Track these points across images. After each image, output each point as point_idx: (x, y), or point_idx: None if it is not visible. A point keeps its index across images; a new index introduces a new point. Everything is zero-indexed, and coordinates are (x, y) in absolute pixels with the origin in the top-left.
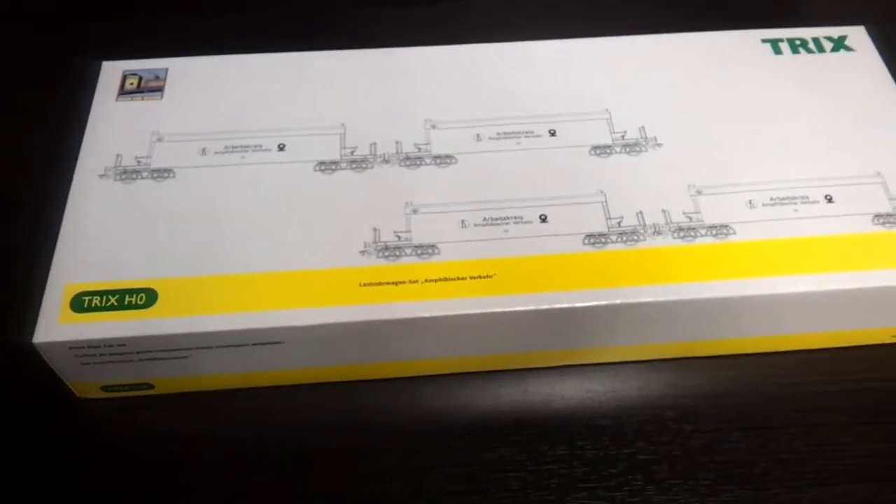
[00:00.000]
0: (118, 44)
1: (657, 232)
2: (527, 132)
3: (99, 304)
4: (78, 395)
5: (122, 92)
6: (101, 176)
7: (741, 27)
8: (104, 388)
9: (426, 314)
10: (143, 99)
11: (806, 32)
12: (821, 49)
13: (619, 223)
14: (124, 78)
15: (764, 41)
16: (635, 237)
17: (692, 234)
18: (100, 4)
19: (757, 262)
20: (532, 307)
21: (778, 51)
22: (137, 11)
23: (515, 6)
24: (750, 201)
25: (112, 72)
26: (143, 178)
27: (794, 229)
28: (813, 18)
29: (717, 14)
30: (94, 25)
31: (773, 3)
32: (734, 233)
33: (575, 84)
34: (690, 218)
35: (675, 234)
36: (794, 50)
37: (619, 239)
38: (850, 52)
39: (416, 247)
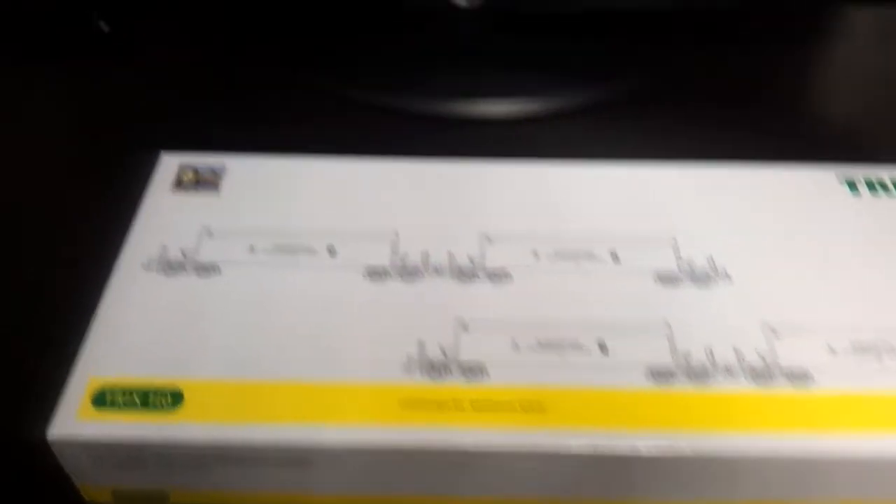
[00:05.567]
0: (176, 140)
1: (729, 372)
2: (587, 252)
3: (121, 401)
4: (86, 498)
5: (178, 185)
6: (145, 267)
7: (817, 160)
8: (115, 494)
9: (470, 444)
10: (197, 193)
11: (885, 172)
12: None
13: (686, 359)
14: (181, 171)
15: (840, 179)
16: (705, 376)
17: (768, 377)
18: (161, 104)
19: (842, 416)
20: (587, 443)
21: (855, 190)
22: (196, 111)
23: (587, 130)
24: (829, 346)
25: (170, 164)
26: (186, 271)
27: (882, 381)
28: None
29: (794, 145)
30: (155, 120)
31: (851, 138)
32: (813, 380)
33: (641, 208)
34: (765, 359)
35: (749, 377)
36: (873, 190)
37: (686, 376)
38: None
39: (462, 366)
